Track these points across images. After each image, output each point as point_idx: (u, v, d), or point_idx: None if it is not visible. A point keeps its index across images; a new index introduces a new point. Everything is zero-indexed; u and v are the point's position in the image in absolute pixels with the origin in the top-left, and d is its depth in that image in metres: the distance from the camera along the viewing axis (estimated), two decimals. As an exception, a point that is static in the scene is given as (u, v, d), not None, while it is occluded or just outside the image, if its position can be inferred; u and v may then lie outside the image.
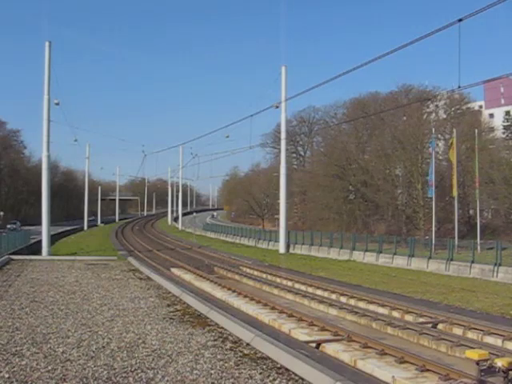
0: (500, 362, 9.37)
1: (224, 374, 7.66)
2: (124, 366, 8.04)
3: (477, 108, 74.71)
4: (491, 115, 79.09)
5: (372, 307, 17.65)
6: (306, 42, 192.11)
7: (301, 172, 73.29)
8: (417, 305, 17.67)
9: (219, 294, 20.84)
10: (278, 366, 8.09)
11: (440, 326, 14.65)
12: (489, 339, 12.94)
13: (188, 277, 26.11)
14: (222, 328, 10.81)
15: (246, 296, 19.77)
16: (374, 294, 19.91)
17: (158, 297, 15.02)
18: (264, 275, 26.86)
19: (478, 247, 31.93)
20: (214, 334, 10.34)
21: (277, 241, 45.74)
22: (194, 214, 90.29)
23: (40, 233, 38.30)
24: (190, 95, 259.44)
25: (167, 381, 7.35)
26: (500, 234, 40.67)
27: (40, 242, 37.64)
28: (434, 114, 57.74)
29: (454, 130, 36.96)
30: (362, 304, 18.24)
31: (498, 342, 12.69)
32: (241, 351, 8.97)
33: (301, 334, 13.83)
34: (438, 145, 49.02)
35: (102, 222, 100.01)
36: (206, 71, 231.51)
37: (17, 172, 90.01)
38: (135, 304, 13.65)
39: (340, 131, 63.54)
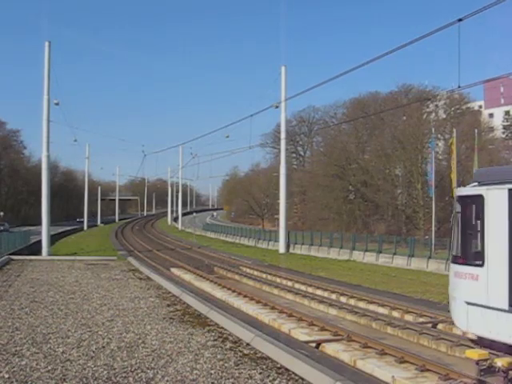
0: (500, 362, 9.37)
1: (224, 373, 7.67)
2: (124, 365, 8.05)
3: (476, 108, 74.75)
4: (491, 115, 79.16)
5: (372, 307, 17.66)
6: (305, 41, 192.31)
7: (301, 172, 73.31)
8: (417, 304, 17.68)
9: (219, 293, 20.84)
10: (278, 365, 8.09)
11: (440, 326, 14.65)
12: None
13: (188, 277, 26.11)
14: (222, 328, 10.81)
15: (245, 296, 19.77)
16: (374, 294, 19.92)
17: (158, 297, 15.02)
18: (264, 275, 26.87)
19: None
20: (213, 333, 10.34)
21: (277, 241, 45.74)
22: (194, 214, 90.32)
23: (40, 233, 38.32)
24: (190, 95, 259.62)
25: (167, 381, 7.36)
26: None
27: (40, 242, 37.65)
28: (433, 114, 57.74)
29: (454, 130, 36.94)
30: (361, 304, 18.24)
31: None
32: (241, 351, 8.97)
33: (301, 333, 13.83)
34: (437, 145, 49.01)
35: (101, 222, 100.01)
36: (206, 71, 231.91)
37: (17, 172, 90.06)
38: (135, 304, 13.65)
39: (340, 131, 63.54)
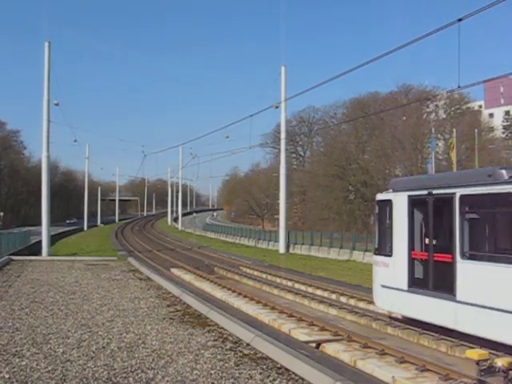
0: (500, 362, 9.38)
1: (224, 374, 7.67)
2: (124, 366, 8.05)
3: (476, 108, 74.79)
4: (491, 115, 79.20)
5: (372, 307, 17.64)
6: (305, 41, 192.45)
7: (300, 172, 73.36)
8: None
9: (219, 294, 20.84)
10: (278, 366, 8.09)
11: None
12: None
13: (188, 277, 26.11)
14: (222, 328, 10.81)
15: (245, 296, 19.77)
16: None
17: (158, 297, 15.02)
18: (264, 275, 26.87)
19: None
20: (214, 334, 10.34)
21: (277, 241, 45.75)
22: (194, 214, 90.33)
23: (40, 233, 38.31)
24: (190, 95, 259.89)
25: (167, 381, 7.36)
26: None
27: (40, 242, 37.66)
28: (433, 114, 57.81)
29: (454, 130, 36.93)
30: (362, 304, 18.23)
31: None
32: (241, 351, 8.97)
33: (301, 334, 13.83)
34: (437, 145, 49.06)
35: (101, 223, 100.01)
36: (206, 71, 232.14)
37: (17, 172, 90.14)
38: (135, 304, 13.65)
39: (340, 131, 63.60)
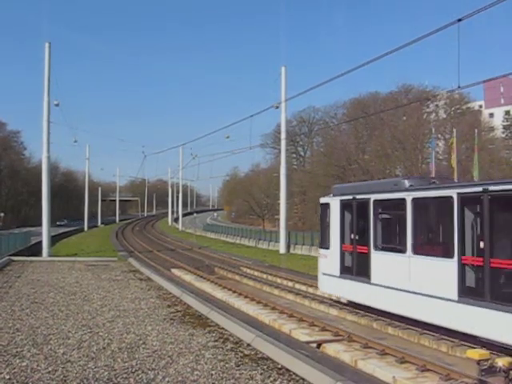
0: (501, 362, 9.38)
1: (225, 374, 7.66)
2: (125, 366, 8.05)
3: (477, 108, 74.79)
4: (491, 115, 79.20)
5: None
6: (306, 42, 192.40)
7: (301, 172, 73.38)
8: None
9: (220, 294, 20.83)
10: (279, 366, 8.09)
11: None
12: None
13: (188, 277, 26.11)
14: (223, 329, 10.81)
15: (246, 296, 19.76)
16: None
17: (159, 297, 15.02)
18: (264, 276, 26.85)
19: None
20: (214, 334, 10.34)
21: (277, 241, 45.72)
22: (195, 214, 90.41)
23: (40, 234, 38.31)
24: (190, 96, 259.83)
25: (168, 381, 7.35)
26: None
27: (40, 243, 37.66)
28: (433, 114, 57.83)
29: (454, 130, 36.92)
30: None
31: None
32: (241, 352, 8.97)
33: (301, 334, 13.82)
34: (438, 145, 49.06)
35: (102, 223, 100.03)
36: (207, 72, 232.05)
37: (17, 173, 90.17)
38: (136, 305, 13.65)
39: (340, 131, 63.63)
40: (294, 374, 7.67)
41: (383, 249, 14.58)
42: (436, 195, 13.03)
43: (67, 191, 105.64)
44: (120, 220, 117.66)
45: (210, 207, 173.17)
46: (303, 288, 22.38)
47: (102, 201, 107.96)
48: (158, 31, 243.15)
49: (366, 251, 15.08)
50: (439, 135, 50.86)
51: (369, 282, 14.87)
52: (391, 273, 14.01)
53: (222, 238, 62.83)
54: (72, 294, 15.41)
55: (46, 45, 35.45)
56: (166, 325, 11.17)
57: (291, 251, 43.36)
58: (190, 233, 71.42)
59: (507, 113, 78.99)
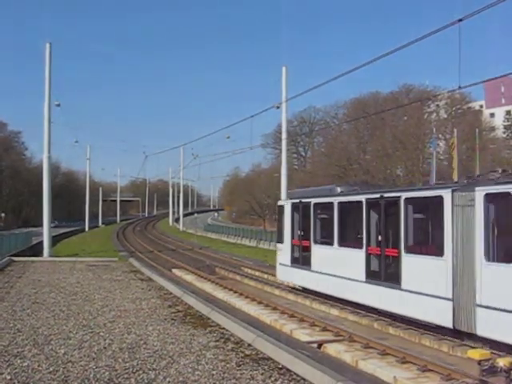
0: (502, 362, 9.36)
1: (226, 374, 7.67)
2: (126, 367, 8.06)
3: (477, 108, 74.66)
4: (492, 115, 79.12)
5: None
6: (306, 42, 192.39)
7: (302, 172, 73.37)
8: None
9: (220, 294, 20.83)
10: (280, 366, 8.09)
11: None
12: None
13: (189, 277, 26.10)
14: (224, 329, 10.82)
15: (247, 297, 19.76)
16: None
17: (160, 298, 15.04)
18: (265, 276, 26.81)
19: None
20: (215, 334, 10.34)
21: (278, 241, 45.68)
22: (195, 214, 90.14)
23: (41, 234, 38.31)
24: (191, 96, 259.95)
25: (169, 382, 7.36)
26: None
27: (41, 243, 37.64)
28: (434, 114, 57.80)
29: (455, 130, 36.91)
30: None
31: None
32: (242, 352, 8.97)
33: (302, 334, 13.81)
34: (438, 145, 49.03)
35: (103, 223, 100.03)
36: (207, 72, 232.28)
37: (18, 173, 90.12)
38: (137, 305, 13.67)
39: (341, 131, 63.60)
40: (295, 373, 7.68)
41: (320, 242, 18.03)
42: (352, 200, 16.32)
43: (68, 191, 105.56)
44: (121, 220, 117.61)
45: (211, 207, 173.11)
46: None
47: (102, 201, 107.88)
48: (158, 32, 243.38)
49: (308, 245, 18.58)
50: (440, 135, 50.83)
51: (310, 270, 18.26)
52: (324, 262, 17.45)
53: (223, 238, 62.79)
54: (73, 294, 15.43)
55: (47, 45, 35.37)
56: (167, 325, 11.18)
57: (292, 251, 43.28)
58: (191, 233, 71.36)
59: (508, 113, 78.87)
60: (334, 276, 16.58)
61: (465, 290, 11.50)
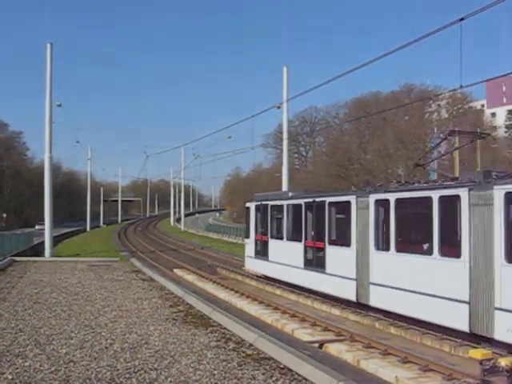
0: (503, 362, 9.34)
1: (227, 374, 7.67)
2: (127, 366, 8.06)
3: (479, 107, 74.55)
4: (493, 114, 79.04)
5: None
6: (307, 42, 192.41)
7: (303, 172, 73.33)
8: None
9: (222, 294, 20.82)
10: (281, 366, 8.09)
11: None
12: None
13: (191, 277, 26.09)
14: (225, 328, 10.82)
15: (248, 296, 19.75)
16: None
17: (161, 298, 15.04)
18: (266, 275, 26.86)
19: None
20: (216, 334, 10.35)
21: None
22: (197, 214, 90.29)
23: (42, 234, 38.35)
24: (191, 96, 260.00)
25: (170, 381, 7.37)
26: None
27: (43, 243, 37.68)
28: (435, 114, 57.68)
29: (456, 130, 36.84)
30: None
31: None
32: (244, 352, 8.97)
33: (304, 334, 13.80)
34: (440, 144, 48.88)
35: (104, 223, 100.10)
36: (207, 72, 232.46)
37: (19, 173, 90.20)
38: (138, 305, 13.67)
39: (342, 131, 63.54)
40: (297, 373, 7.68)
41: (275, 237, 21.29)
42: (295, 203, 19.74)
43: (69, 192, 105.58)
44: (122, 220, 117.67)
45: (212, 207, 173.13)
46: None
47: (104, 201, 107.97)
48: (159, 32, 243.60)
49: (266, 239, 21.96)
50: (441, 135, 50.74)
51: (268, 260, 21.70)
52: (277, 253, 20.95)
53: (224, 238, 62.76)
54: (74, 294, 15.45)
55: (48, 45, 35.41)
56: (169, 325, 11.18)
57: (293, 251, 43.28)
58: (192, 233, 71.41)
59: (509, 112, 78.77)
60: (282, 264, 20.26)
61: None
